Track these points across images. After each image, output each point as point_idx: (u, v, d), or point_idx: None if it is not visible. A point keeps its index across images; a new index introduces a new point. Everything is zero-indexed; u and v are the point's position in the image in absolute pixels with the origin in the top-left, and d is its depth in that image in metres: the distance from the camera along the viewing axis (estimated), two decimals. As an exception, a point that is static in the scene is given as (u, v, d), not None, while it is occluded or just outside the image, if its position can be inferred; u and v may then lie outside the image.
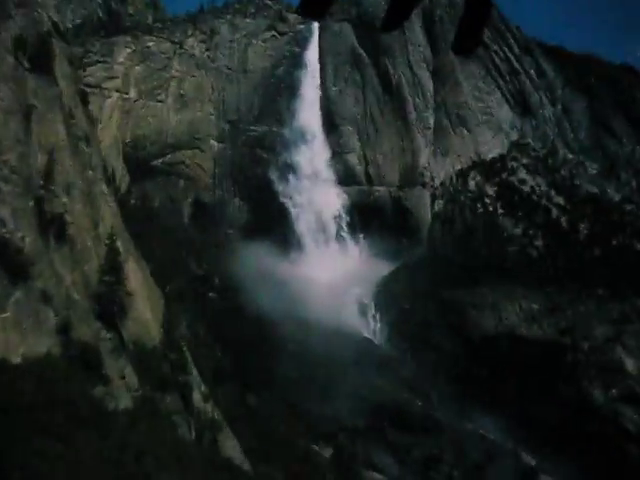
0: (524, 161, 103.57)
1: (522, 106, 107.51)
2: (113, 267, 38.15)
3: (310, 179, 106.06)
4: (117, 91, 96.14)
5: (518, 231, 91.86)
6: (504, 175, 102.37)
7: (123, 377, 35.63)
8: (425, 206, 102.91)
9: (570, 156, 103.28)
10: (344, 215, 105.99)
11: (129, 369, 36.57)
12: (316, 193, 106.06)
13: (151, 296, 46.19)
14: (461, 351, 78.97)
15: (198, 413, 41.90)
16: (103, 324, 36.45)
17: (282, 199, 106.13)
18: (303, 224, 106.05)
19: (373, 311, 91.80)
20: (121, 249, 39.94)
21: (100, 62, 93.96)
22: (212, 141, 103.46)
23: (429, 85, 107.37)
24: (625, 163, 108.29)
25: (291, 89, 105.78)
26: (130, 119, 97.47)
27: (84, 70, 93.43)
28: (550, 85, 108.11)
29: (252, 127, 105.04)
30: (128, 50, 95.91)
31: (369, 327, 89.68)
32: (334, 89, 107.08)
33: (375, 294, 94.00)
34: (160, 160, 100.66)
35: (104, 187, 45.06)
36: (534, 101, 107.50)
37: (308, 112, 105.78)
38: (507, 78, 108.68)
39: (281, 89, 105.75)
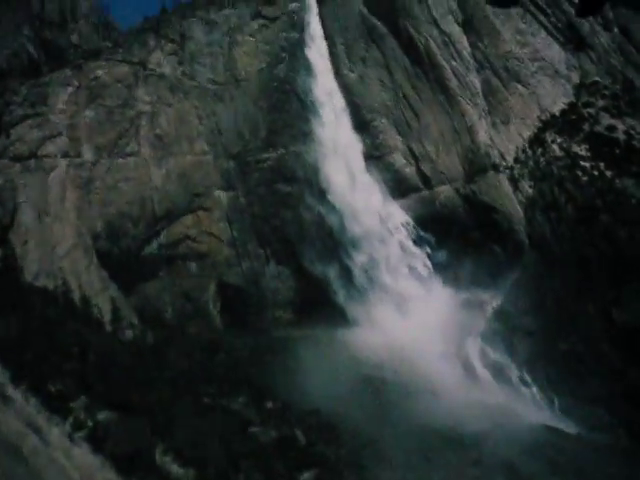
0: (600, 104, 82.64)
1: (574, 40, 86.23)
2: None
3: (354, 205, 77.84)
4: (64, 156, 62.09)
5: (647, 192, 70.64)
6: (586, 126, 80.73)
7: None
8: (508, 195, 78.72)
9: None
10: (410, 238, 79.29)
11: None
12: (367, 223, 78.28)
13: None
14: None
15: None
16: None
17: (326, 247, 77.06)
18: (362, 269, 77.83)
19: (515, 370, 62.34)
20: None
21: (29, 116, 59.17)
22: (217, 192, 72.29)
23: (463, 41, 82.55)
24: None
25: (300, 89, 76.14)
26: (93, 195, 64.06)
27: (7, 135, 58.59)
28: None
29: (264, 155, 74.78)
30: (70, 89, 61.82)
31: (524, 400, 58.57)
32: (352, 75, 79.12)
33: (500, 342, 65.74)
34: (154, 245, 68.38)
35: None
36: (585, 30, 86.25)
37: (329, 115, 77.01)
38: (548, 11, 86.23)
39: (288, 92, 75.74)
